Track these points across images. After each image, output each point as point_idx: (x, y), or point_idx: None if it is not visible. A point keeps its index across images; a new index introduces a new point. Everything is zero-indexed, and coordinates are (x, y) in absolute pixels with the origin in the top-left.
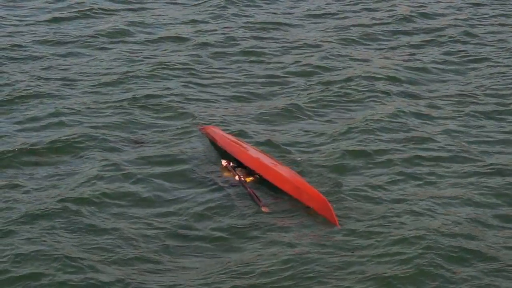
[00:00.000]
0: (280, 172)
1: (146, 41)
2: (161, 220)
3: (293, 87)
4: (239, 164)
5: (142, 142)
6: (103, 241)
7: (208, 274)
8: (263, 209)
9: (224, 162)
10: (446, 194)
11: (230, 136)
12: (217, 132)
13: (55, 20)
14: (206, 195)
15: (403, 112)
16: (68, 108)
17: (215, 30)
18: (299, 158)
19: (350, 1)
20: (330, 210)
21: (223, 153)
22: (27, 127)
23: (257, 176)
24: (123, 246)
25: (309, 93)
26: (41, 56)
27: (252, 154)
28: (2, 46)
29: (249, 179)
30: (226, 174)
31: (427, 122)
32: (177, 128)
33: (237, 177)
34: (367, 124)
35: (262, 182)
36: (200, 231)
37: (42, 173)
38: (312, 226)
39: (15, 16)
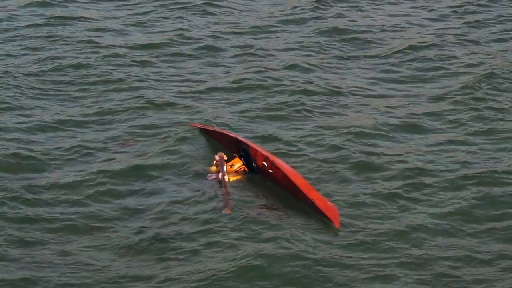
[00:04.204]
0: (291, 168)
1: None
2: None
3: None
4: (246, 152)
5: (130, 145)
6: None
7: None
8: (225, 210)
9: (217, 157)
10: None
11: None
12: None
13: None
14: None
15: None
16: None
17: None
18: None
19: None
20: (335, 210)
21: (216, 149)
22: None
23: (264, 164)
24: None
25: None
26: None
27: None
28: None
29: (234, 178)
30: (213, 168)
31: None
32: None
33: (220, 175)
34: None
35: (248, 187)
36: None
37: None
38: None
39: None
